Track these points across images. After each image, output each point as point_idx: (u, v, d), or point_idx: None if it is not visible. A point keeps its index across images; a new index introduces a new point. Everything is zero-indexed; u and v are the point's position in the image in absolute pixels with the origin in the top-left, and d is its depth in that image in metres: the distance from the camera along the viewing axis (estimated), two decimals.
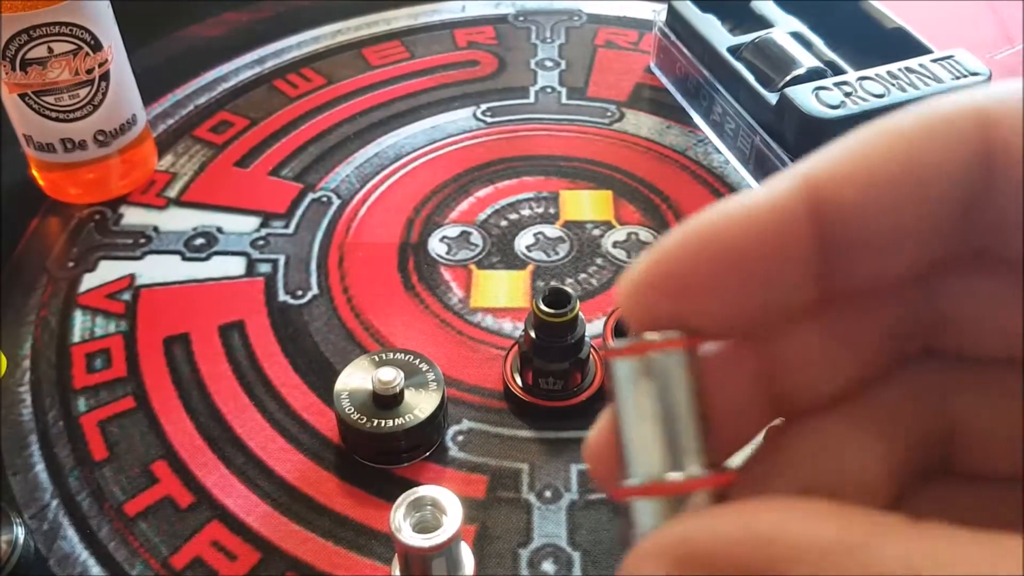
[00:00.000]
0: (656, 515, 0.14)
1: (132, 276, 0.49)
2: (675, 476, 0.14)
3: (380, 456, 0.40)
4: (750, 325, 0.15)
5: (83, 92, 0.49)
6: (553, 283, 0.48)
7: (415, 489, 0.32)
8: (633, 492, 0.15)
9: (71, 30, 0.47)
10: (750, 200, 0.14)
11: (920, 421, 0.16)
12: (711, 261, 0.14)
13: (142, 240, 0.51)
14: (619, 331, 0.43)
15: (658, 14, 0.61)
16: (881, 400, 0.17)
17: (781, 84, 0.52)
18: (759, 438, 0.17)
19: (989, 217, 0.14)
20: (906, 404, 0.17)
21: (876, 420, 0.16)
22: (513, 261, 0.50)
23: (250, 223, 0.52)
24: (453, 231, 0.52)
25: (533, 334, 0.40)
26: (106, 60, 0.49)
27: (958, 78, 0.49)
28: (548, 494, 0.39)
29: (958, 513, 0.16)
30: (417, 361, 0.41)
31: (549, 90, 0.62)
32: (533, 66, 0.64)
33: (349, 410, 0.39)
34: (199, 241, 0.51)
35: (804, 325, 0.16)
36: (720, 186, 0.54)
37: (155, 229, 0.52)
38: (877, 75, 0.50)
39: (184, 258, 0.50)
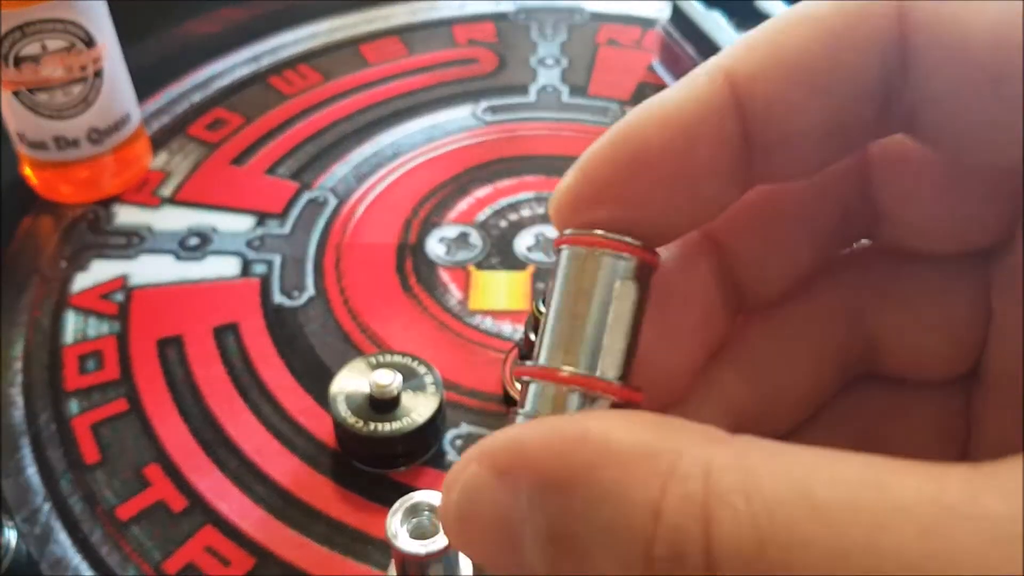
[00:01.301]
0: (544, 403, 0.14)
1: (125, 276, 0.48)
2: (572, 369, 0.14)
3: (377, 460, 0.39)
4: (682, 228, 0.16)
5: (76, 89, 0.48)
6: None
7: (412, 494, 0.32)
8: (528, 372, 0.14)
9: (65, 27, 0.46)
10: (673, 100, 0.14)
11: (843, 331, 0.17)
12: (639, 165, 0.14)
13: (135, 240, 0.50)
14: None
15: (662, 12, 0.60)
16: (805, 313, 0.17)
17: None
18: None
19: (907, 104, 0.15)
20: (830, 315, 0.17)
21: (798, 336, 0.17)
22: (513, 262, 0.49)
23: (245, 223, 0.51)
24: (452, 231, 0.51)
25: (533, 337, 0.40)
26: (100, 57, 0.48)
27: None
28: None
29: (875, 415, 0.18)
30: (415, 364, 0.40)
31: (550, 88, 0.61)
32: (534, 64, 0.64)
33: (345, 414, 0.38)
34: (193, 241, 0.50)
35: (753, 220, 0.17)
36: None
37: (149, 228, 0.51)
38: None
39: (178, 258, 0.49)
